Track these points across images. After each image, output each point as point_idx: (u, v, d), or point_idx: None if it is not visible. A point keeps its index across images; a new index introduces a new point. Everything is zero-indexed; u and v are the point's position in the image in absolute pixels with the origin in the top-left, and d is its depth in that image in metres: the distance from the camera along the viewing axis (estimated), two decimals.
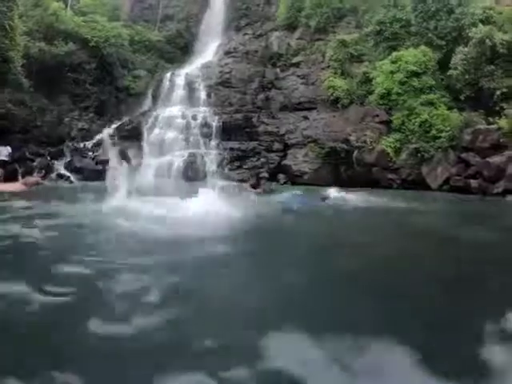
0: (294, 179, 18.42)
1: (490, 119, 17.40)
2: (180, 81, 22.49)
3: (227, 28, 26.23)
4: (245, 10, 26.54)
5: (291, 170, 18.71)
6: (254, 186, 11.02)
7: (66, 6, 26.43)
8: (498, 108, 17.53)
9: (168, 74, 23.28)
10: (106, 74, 23.99)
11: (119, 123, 22.63)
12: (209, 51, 25.45)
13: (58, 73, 22.13)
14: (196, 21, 27.07)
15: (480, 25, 18.63)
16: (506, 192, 15.24)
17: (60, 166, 20.19)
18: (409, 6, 21.18)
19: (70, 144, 21.47)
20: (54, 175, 19.19)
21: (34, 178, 15.49)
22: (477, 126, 17.24)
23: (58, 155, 20.85)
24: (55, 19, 23.11)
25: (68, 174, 19.71)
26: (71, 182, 17.21)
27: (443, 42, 19.85)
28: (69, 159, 20.55)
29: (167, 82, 22.88)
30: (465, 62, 18.39)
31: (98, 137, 22.09)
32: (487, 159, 16.42)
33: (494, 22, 19.21)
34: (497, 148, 16.65)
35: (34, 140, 20.62)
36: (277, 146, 19.84)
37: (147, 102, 23.59)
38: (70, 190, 14.79)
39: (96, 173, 19.40)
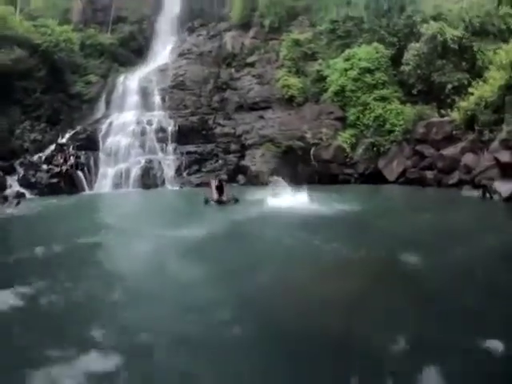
0: (253, 180, 18.14)
1: (443, 111, 17.77)
2: (133, 85, 21.82)
3: (181, 29, 25.75)
4: (199, 11, 26.14)
5: (249, 170, 18.44)
6: (219, 191, 10.14)
7: (16, 10, 25.20)
8: (449, 101, 17.95)
9: (121, 79, 22.53)
10: (57, 81, 22.88)
11: (73, 132, 21.60)
12: (163, 53, 24.87)
13: (6, 82, 20.87)
14: (149, 23, 26.41)
15: (431, 21, 19.03)
16: (460, 183, 15.28)
17: (14, 182, 18.95)
18: (361, 3, 21.39)
19: (23, 158, 20.24)
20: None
21: None
22: (430, 119, 17.56)
23: (11, 170, 19.62)
24: (3, 24, 21.83)
25: (23, 190, 18.56)
26: (18, 202, 13.73)
27: (395, 39, 20.22)
28: (22, 174, 19.24)
29: (120, 87, 22.14)
30: (417, 57, 18.76)
31: (51, 148, 20.94)
32: (441, 151, 16.64)
33: (445, 19, 19.61)
34: (450, 140, 16.92)
35: None
36: (234, 147, 19.54)
37: (101, 109, 22.71)
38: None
39: (51, 186, 18.51)
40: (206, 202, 10.09)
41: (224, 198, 9.87)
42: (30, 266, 5.16)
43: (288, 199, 9.68)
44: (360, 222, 7.54)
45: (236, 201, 10.13)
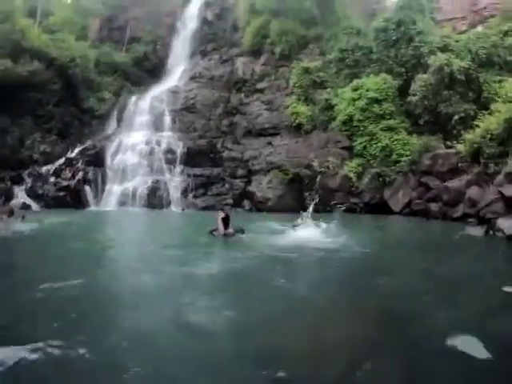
0: (259, 206, 18.24)
1: (449, 143, 17.82)
2: (145, 105, 22.26)
3: (194, 53, 26.36)
4: (212, 36, 26.83)
5: (255, 196, 18.56)
6: (224, 223, 10.15)
7: (35, 23, 25.88)
8: (455, 132, 18.01)
9: (133, 98, 23.03)
10: (71, 95, 23.39)
11: (82, 147, 21.88)
12: (175, 75, 25.44)
13: (21, 92, 21.34)
14: (163, 44, 27.11)
15: (438, 53, 19.27)
16: (465, 216, 15.09)
17: (21, 192, 19.13)
18: (371, 34, 21.80)
19: (31, 169, 20.49)
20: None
21: None
22: (436, 151, 17.59)
23: (19, 180, 19.84)
24: (22, 36, 22.40)
25: (29, 201, 18.68)
26: (23, 216, 12.69)
27: (403, 69, 20.47)
28: (30, 185, 19.47)
29: (132, 106, 22.58)
30: (424, 88, 18.91)
31: (60, 161, 21.17)
32: (446, 184, 16.58)
33: (452, 50, 19.86)
34: (455, 172, 16.86)
35: None
36: (241, 172, 19.74)
37: (111, 125, 23.12)
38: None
39: (58, 200, 18.75)
40: (211, 232, 10.14)
41: (230, 230, 9.93)
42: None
43: (298, 232, 9.68)
44: (369, 263, 7.56)
45: (242, 232, 10.14)
